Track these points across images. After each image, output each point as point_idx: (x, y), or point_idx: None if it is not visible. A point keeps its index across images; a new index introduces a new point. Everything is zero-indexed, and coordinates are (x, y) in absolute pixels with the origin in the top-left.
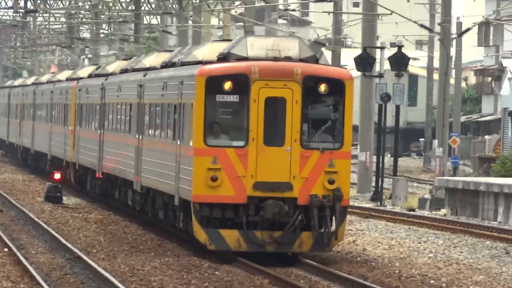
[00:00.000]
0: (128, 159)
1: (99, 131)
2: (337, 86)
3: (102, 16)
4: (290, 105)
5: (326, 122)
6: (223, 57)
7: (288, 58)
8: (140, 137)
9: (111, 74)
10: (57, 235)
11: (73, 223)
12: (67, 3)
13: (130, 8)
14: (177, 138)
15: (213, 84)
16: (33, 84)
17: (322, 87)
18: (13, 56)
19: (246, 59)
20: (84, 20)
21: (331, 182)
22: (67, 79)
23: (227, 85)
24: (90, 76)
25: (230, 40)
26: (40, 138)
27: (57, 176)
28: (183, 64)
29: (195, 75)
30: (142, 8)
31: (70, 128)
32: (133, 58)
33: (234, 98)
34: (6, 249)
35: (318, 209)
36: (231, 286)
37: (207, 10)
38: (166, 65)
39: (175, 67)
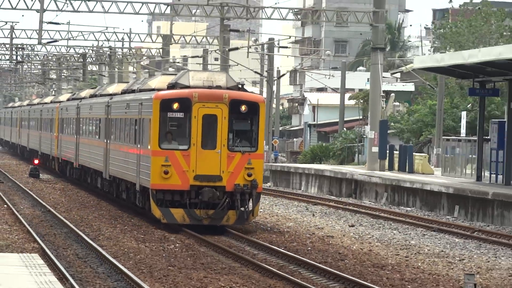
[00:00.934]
0: (98, 156)
1: (75, 136)
2: (254, 107)
3: (63, 65)
4: (220, 120)
5: (245, 132)
6: (172, 86)
7: (218, 87)
8: (108, 141)
9: (83, 98)
10: (36, 196)
11: (46, 190)
12: (42, 57)
13: (80, 60)
14: (138, 143)
15: (165, 105)
16: (27, 105)
17: (243, 107)
18: (8, 88)
19: (188, 87)
20: (52, 67)
21: (249, 175)
22: (51, 102)
23: (175, 105)
24: (68, 99)
25: (174, 74)
26: (33, 140)
27: (36, 161)
28: (141, 90)
29: (152, 98)
30: (88, 60)
31: (54, 134)
32: (98, 87)
33: (180, 114)
34: (5, 206)
35: (240, 194)
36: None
37: (126, 62)
38: (126, 91)
39: (135, 93)
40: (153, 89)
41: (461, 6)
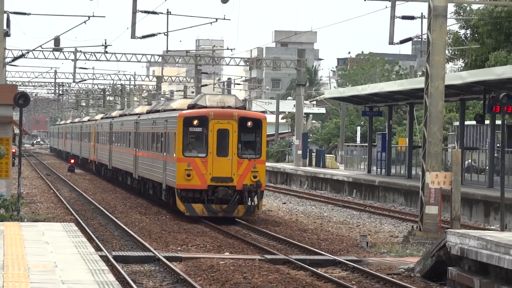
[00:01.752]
0: (128, 161)
1: (109, 145)
2: (258, 122)
3: (90, 97)
4: (231, 133)
5: (251, 143)
6: (192, 106)
7: (229, 107)
8: (137, 149)
9: (114, 117)
10: (72, 184)
11: (79, 180)
12: (76, 91)
13: (101, 93)
14: (164, 151)
15: (187, 121)
16: (70, 123)
17: (249, 123)
18: (53, 112)
19: (205, 107)
20: (82, 98)
21: (255, 177)
22: (89, 120)
23: (195, 122)
24: (101, 118)
25: (191, 97)
26: (75, 147)
27: (72, 161)
28: (165, 110)
29: (177, 116)
30: (106, 93)
31: (92, 143)
32: (126, 108)
33: (199, 129)
34: (51, 190)
35: (247, 192)
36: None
37: (132, 94)
38: (150, 111)
39: (160, 112)
40: (174, 109)
41: (356, 56)
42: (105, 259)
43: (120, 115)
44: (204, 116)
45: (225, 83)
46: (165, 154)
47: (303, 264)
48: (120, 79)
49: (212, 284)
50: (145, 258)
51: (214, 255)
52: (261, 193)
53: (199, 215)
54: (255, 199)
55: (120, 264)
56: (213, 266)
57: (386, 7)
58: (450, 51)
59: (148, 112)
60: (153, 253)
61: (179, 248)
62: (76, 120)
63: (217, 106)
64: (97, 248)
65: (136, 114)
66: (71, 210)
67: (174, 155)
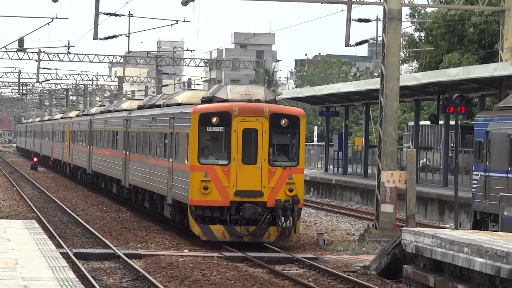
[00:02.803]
0: (116, 165)
1: (89, 146)
2: (294, 120)
3: (53, 96)
4: (261, 134)
5: (286, 146)
6: (209, 99)
7: (257, 100)
8: (127, 153)
9: (94, 114)
10: (35, 182)
11: (41, 178)
12: (39, 91)
13: (64, 93)
14: (169, 156)
15: (204, 118)
16: (40, 121)
17: (283, 121)
18: (17, 111)
19: (227, 101)
20: (45, 97)
21: (291, 190)
22: (61, 118)
23: (214, 119)
24: (78, 115)
25: (200, 90)
26: (46, 148)
27: (35, 159)
28: (168, 105)
29: (191, 112)
30: (69, 93)
31: (66, 143)
32: (109, 104)
33: (219, 129)
34: (14, 188)
35: (281, 210)
36: None
37: (94, 94)
38: (144, 107)
39: (161, 108)
40: (180, 104)
41: (313, 57)
42: (65, 256)
43: (102, 112)
44: (227, 112)
45: (186, 84)
46: (170, 160)
47: (260, 262)
48: (82, 79)
49: (171, 281)
50: (105, 255)
51: (173, 252)
52: (298, 211)
53: (219, 240)
54: (291, 218)
55: (81, 261)
56: (172, 263)
57: (342, 10)
58: (405, 53)
59: (141, 108)
60: (113, 250)
61: (139, 246)
62: (46, 118)
63: (242, 100)
64: (58, 245)
65: (124, 110)
66: (33, 207)
67: (186, 161)
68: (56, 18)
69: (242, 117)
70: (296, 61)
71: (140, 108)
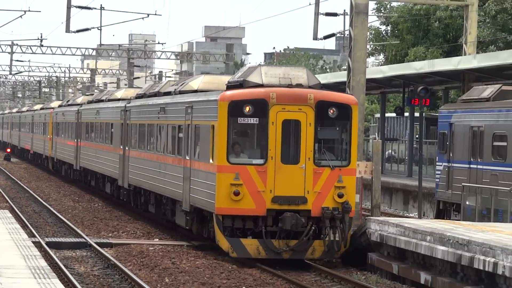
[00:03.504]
0: (110, 162)
1: (75, 139)
2: (345, 110)
3: (26, 88)
4: (305, 127)
5: (335, 142)
6: (239, 84)
7: (299, 85)
8: (126, 148)
9: (82, 104)
10: (8, 173)
11: (15, 168)
12: (12, 83)
13: (37, 85)
14: (185, 153)
15: (235, 108)
16: (17, 112)
17: (332, 111)
18: None
19: (262, 85)
20: (18, 89)
21: (341, 196)
22: (42, 109)
23: (247, 109)
24: (61, 106)
25: (218, 74)
26: (24, 140)
27: (8, 150)
28: (181, 92)
29: (218, 99)
30: (42, 85)
31: (48, 136)
32: (98, 92)
33: (254, 120)
34: None
35: (329, 220)
36: None
37: (67, 86)
38: (145, 95)
39: (172, 95)
40: (195, 90)
41: (282, 51)
42: (38, 245)
43: (90, 101)
44: (262, 99)
45: (157, 76)
46: (188, 157)
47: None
48: (55, 72)
49: (142, 269)
50: (77, 244)
51: (144, 241)
52: (349, 220)
53: (253, 257)
54: (340, 230)
55: (53, 250)
56: (142, 252)
57: (310, 4)
58: (372, 46)
59: (141, 97)
60: (85, 239)
61: (110, 235)
62: (25, 109)
63: (280, 85)
64: (31, 235)
65: (121, 99)
66: (6, 197)
67: (211, 160)
68: (29, 11)
69: (282, 105)
70: (265, 54)
71: (139, 96)
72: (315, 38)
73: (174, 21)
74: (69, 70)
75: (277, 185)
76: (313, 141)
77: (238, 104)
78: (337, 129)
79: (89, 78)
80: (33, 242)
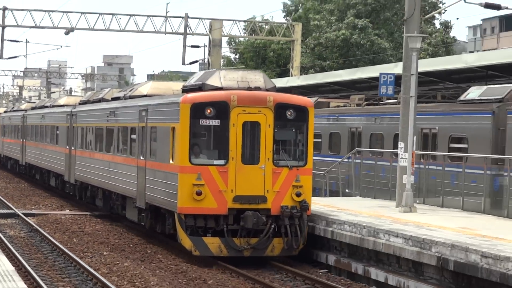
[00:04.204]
0: (57, 160)
1: (21, 139)
2: (302, 112)
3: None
4: (264, 128)
5: (292, 143)
6: (198, 87)
7: (257, 88)
8: (73, 148)
9: (26, 110)
10: None
11: None
12: None
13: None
14: (139, 154)
15: (197, 110)
16: None
17: (289, 113)
18: None
19: (221, 89)
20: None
21: (298, 195)
22: None
23: (209, 111)
24: (6, 111)
25: (164, 81)
26: None
27: None
28: (131, 97)
29: (180, 102)
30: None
31: None
32: (39, 100)
33: (215, 122)
34: None
35: (288, 218)
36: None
37: (1, 98)
38: (87, 102)
39: (121, 100)
40: (145, 95)
41: (161, 73)
42: None
43: (34, 108)
44: (224, 102)
45: (68, 91)
46: (142, 158)
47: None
48: None
49: (56, 233)
50: (8, 215)
51: (58, 212)
52: (307, 218)
53: (215, 255)
54: (298, 228)
55: None
56: (57, 220)
57: (179, 39)
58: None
59: (85, 103)
60: (14, 210)
61: (33, 207)
62: None
63: (238, 88)
64: None
65: (65, 105)
66: None
67: (171, 161)
68: None
69: (242, 108)
70: (148, 75)
71: (83, 103)
72: (183, 63)
73: (80, 50)
74: (2, 87)
75: (238, 185)
76: (272, 142)
77: (200, 106)
78: (295, 130)
79: (18, 93)
80: None
